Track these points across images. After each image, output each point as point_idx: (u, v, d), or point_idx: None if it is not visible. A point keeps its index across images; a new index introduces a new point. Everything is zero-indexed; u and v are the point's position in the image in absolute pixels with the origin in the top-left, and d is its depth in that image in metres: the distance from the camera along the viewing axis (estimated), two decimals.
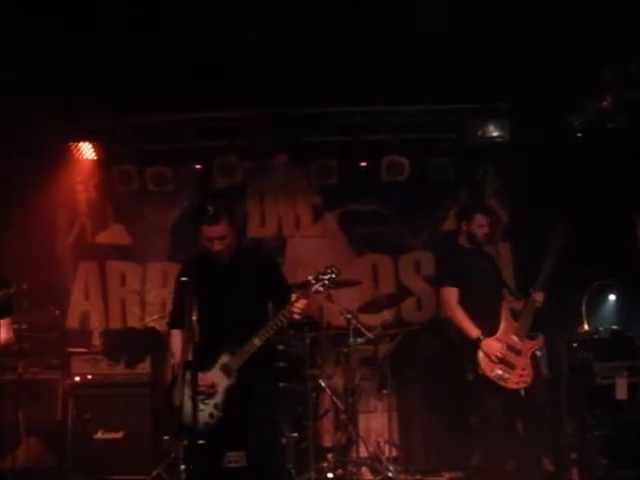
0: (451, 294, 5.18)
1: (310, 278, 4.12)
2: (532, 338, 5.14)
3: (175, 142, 7.10)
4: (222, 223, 4.12)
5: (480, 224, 5.29)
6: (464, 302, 5.14)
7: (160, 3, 5.24)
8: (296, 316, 4.08)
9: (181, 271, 4.34)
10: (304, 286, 4.12)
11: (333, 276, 4.09)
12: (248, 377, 4.10)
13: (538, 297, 5.08)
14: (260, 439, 4.14)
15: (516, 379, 4.95)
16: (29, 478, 5.73)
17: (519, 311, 5.16)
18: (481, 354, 4.96)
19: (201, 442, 3.86)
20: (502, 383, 4.93)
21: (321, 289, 4.10)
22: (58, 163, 7.03)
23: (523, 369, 4.97)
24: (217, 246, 4.15)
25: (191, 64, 5.79)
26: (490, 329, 5.04)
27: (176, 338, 4.29)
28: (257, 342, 4.08)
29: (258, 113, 6.88)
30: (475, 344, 4.98)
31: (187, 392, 3.81)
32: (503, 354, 4.94)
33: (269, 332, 4.09)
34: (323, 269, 4.13)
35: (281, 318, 4.10)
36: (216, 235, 4.12)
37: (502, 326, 5.06)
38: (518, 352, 5.00)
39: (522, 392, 4.95)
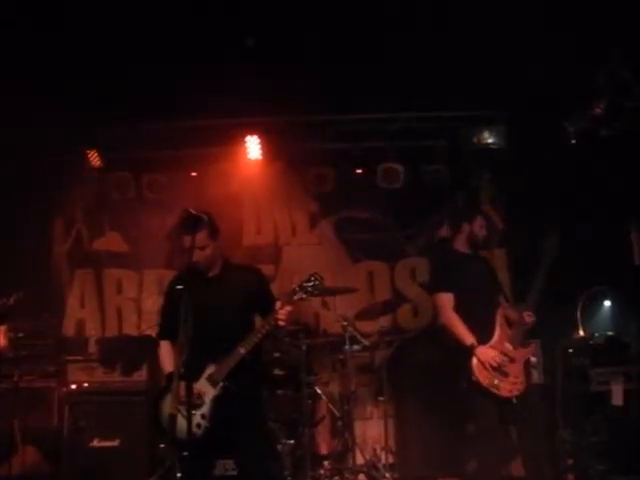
0: (446, 300, 5.09)
1: (294, 286, 4.18)
2: (525, 345, 5.06)
3: (171, 149, 7.11)
4: (201, 233, 4.12)
5: (481, 225, 5.21)
6: (459, 308, 5.05)
7: (158, 10, 5.25)
8: (281, 323, 4.11)
9: (171, 284, 4.38)
10: (289, 294, 4.17)
11: (317, 283, 4.15)
12: (234, 386, 4.12)
13: (528, 318, 4.99)
14: (249, 447, 4.16)
15: (509, 387, 4.88)
16: None
17: (514, 319, 5.08)
18: (475, 361, 4.87)
19: (185, 454, 3.87)
20: (495, 391, 4.85)
21: (304, 296, 4.15)
22: (57, 170, 7.03)
23: (516, 377, 4.91)
24: (195, 256, 4.14)
25: (188, 71, 5.80)
26: (485, 336, 4.97)
27: (165, 350, 4.32)
28: (242, 351, 4.12)
29: (255, 120, 6.90)
30: (469, 351, 4.92)
31: (175, 403, 3.82)
32: (498, 362, 4.87)
33: (254, 340, 4.13)
34: (307, 277, 4.19)
35: (266, 326, 4.15)
36: (194, 245, 4.09)
37: (496, 333, 4.98)
38: (512, 360, 4.93)
39: (514, 400, 4.87)
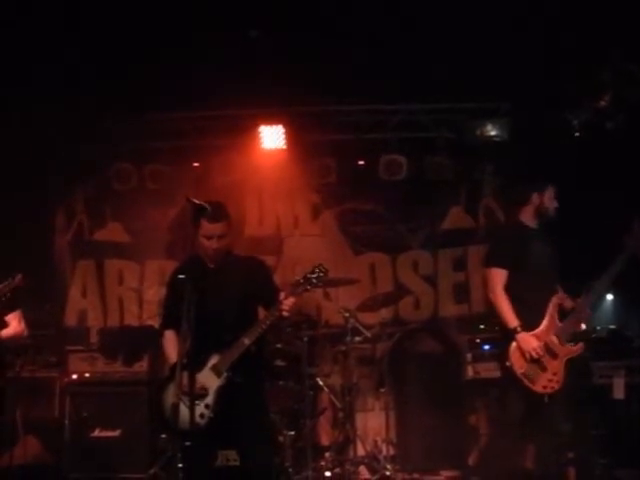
0: (497, 276, 4.66)
1: (298, 277, 4.15)
2: (572, 344, 4.64)
3: (174, 140, 7.10)
4: (223, 222, 4.19)
5: (552, 197, 4.76)
6: (510, 287, 4.64)
7: (160, 5, 5.23)
8: (285, 314, 4.08)
9: (174, 274, 4.39)
10: (293, 285, 4.14)
11: (321, 275, 4.10)
12: (238, 377, 4.11)
13: (584, 313, 4.66)
14: (251, 438, 4.16)
15: (544, 383, 4.52)
16: (27, 476, 5.73)
17: (569, 310, 4.70)
18: (513, 347, 4.53)
19: (187, 444, 3.87)
20: (528, 383, 4.52)
21: (309, 288, 4.11)
22: (58, 161, 7.01)
23: (554, 374, 4.53)
24: (215, 244, 4.18)
25: (190, 62, 5.78)
26: (532, 323, 4.58)
27: (169, 340, 4.32)
28: (246, 341, 4.10)
29: (257, 111, 6.89)
30: (510, 335, 4.55)
31: (179, 393, 3.81)
32: (539, 354, 4.50)
33: (258, 331, 4.12)
34: (311, 268, 4.14)
35: (270, 317, 4.13)
36: (216, 233, 4.16)
37: (544, 323, 4.58)
38: (554, 355, 4.55)
39: (546, 398, 4.52)
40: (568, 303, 4.74)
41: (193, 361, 3.86)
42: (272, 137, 6.98)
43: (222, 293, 4.25)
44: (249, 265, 4.46)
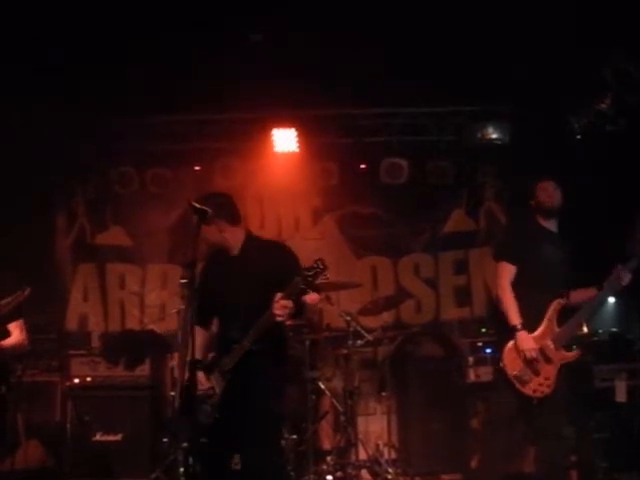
0: (506, 271, 4.62)
1: (295, 276, 3.85)
2: (568, 349, 4.58)
3: (175, 143, 7.10)
4: (212, 223, 4.04)
5: (544, 188, 4.72)
6: (516, 285, 4.60)
7: (161, 5, 5.24)
8: (279, 318, 3.84)
9: (202, 271, 4.22)
10: (290, 286, 3.85)
11: (319, 270, 3.76)
12: (241, 379, 4.04)
13: (625, 276, 4.52)
14: (255, 440, 4.10)
15: (534, 386, 4.47)
16: None
17: (575, 305, 4.67)
18: (508, 346, 4.50)
19: (203, 440, 3.84)
20: (518, 386, 4.47)
21: (303, 286, 3.80)
22: (59, 164, 7.02)
23: (546, 378, 4.48)
24: (213, 239, 4.13)
25: (192, 65, 5.79)
26: (532, 324, 4.52)
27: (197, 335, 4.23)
28: (246, 344, 4.00)
29: (259, 115, 6.90)
30: (510, 332, 4.50)
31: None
32: (534, 357, 4.45)
33: (256, 334, 3.95)
34: (310, 263, 3.82)
35: (264, 320, 3.93)
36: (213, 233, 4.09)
37: (542, 327, 4.53)
38: (548, 360, 4.49)
39: (535, 401, 4.48)
40: (579, 295, 4.68)
41: (211, 360, 3.90)
42: (282, 140, 7.00)
43: (240, 285, 4.08)
44: (271, 252, 4.24)
